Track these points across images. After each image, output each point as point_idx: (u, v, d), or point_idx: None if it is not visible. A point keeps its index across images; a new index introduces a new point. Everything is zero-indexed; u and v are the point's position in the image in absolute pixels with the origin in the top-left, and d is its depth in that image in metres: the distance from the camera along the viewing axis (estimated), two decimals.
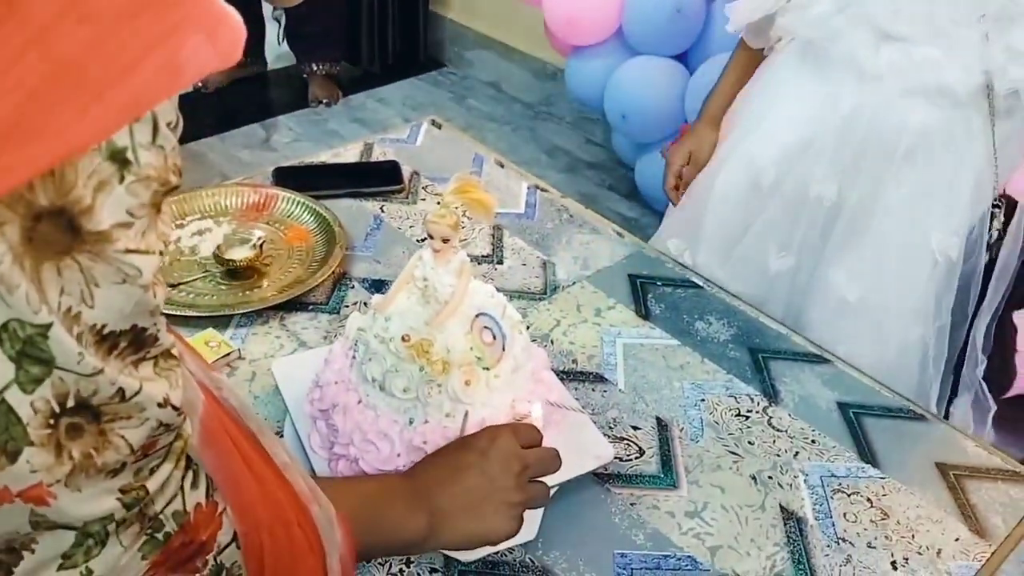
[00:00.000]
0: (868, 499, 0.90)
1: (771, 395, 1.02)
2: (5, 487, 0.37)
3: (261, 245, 1.16)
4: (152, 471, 0.43)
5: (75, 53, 0.33)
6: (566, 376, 1.01)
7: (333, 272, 1.14)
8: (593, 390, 1.00)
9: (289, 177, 1.35)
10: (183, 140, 0.40)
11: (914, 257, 1.37)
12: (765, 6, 1.44)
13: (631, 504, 0.87)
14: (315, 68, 3.36)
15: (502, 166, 1.45)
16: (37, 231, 0.34)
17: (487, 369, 0.81)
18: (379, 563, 0.79)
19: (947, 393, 1.44)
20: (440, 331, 0.80)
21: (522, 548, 0.81)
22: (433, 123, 1.57)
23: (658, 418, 0.97)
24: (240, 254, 1.14)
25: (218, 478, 0.50)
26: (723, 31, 2.33)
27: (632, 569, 0.81)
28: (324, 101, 3.38)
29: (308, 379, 0.91)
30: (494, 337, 0.80)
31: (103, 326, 0.37)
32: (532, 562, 0.81)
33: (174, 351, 0.43)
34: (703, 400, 1.00)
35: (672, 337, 1.09)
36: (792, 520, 0.87)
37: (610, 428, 0.95)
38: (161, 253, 0.39)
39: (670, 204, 1.68)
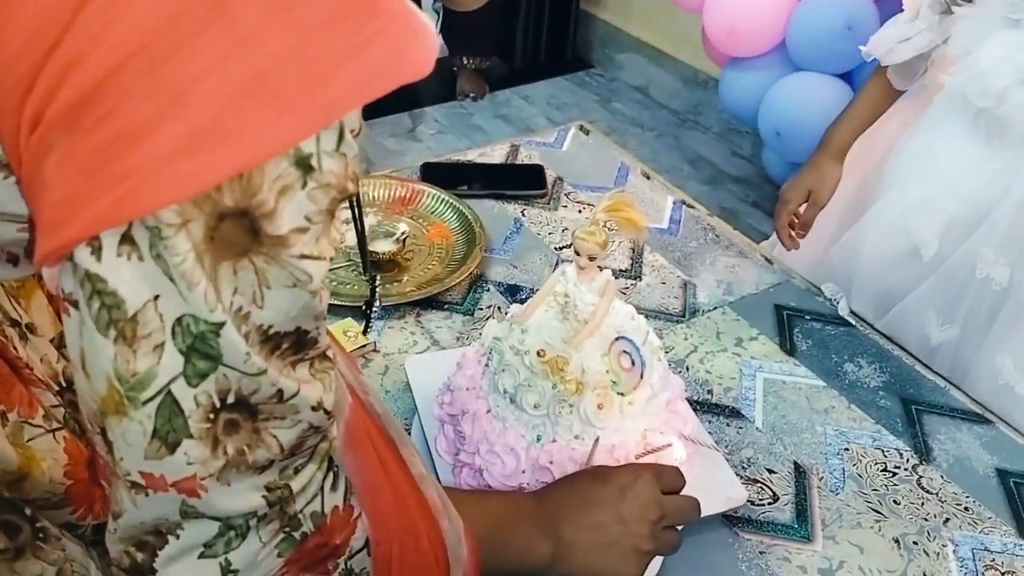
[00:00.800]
0: None
1: (923, 452, 0.94)
2: (162, 476, 0.38)
3: (404, 239, 1.17)
4: (297, 471, 0.44)
5: (275, 60, 0.34)
6: (700, 407, 0.97)
7: (471, 273, 1.13)
8: (728, 425, 0.95)
9: (435, 173, 1.36)
10: None
11: None
12: (917, 44, 1.32)
13: (760, 552, 0.82)
14: (465, 62, 3.40)
15: (648, 177, 1.41)
16: (219, 231, 0.34)
17: (622, 395, 0.78)
18: None
19: None
20: (577, 350, 0.78)
21: None
22: (581, 128, 1.55)
23: (796, 463, 0.91)
24: (384, 247, 1.15)
25: (356, 482, 0.50)
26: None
27: None
28: (471, 95, 3.42)
29: (439, 380, 0.91)
30: (633, 363, 0.77)
31: (269, 327, 0.38)
32: None
33: (329, 353, 0.44)
34: (847, 449, 0.94)
35: (818, 377, 1.03)
36: None
37: (743, 468, 0.90)
38: (331, 259, 0.39)
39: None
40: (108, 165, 0.33)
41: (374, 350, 1.02)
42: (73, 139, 0.33)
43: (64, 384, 0.54)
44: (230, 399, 0.38)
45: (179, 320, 0.35)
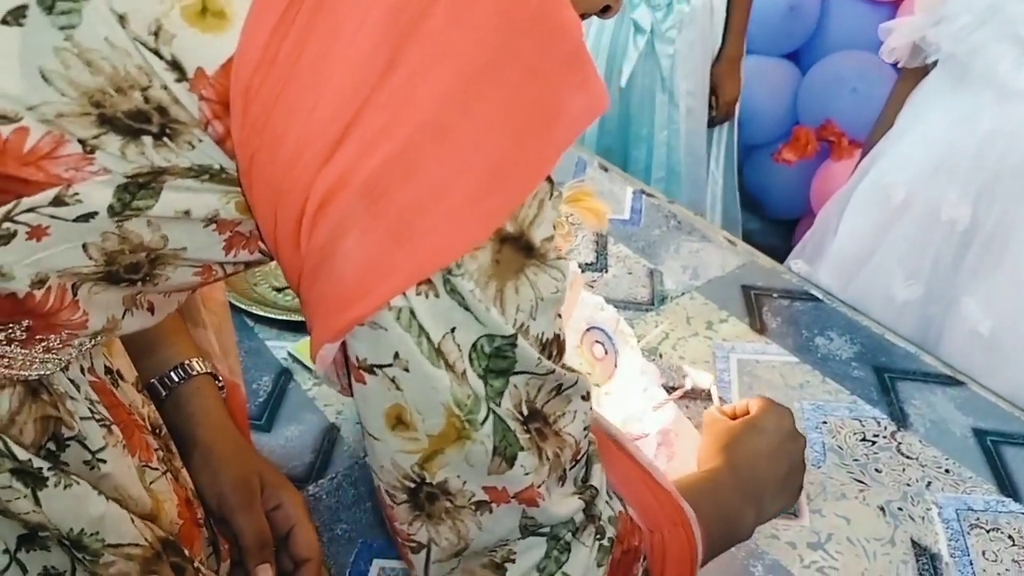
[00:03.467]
0: (1010, 536, 0.82)
1: (899, 419, 0.95)
2: (504, 488, 0.42)
3: None
4: (589, 467, 0.47)
5: (531, 111, 0.38)
6: (674, 392, 0.96)
7: None
8: (705, 408, 0.95)
9: None
10: None
11: None
12: (917, 29, 1.37)
13: None
14: None
15: (606, 170, 1.41)
16: (502, 254, 0.39)
17: (597, 386, 0.77)
18: None
19: None
20: None
21: None
22: None
23: None
24: None
25: (614, 482, 0.52)
26: (839, 29, 2.24)
27: None
28: None
29: None
30: (606, 352, 0.77)
31: (542, 334, 0.42)
32: None
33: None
34: (824, 423, 0.94)
35: (790, 353, 1.03)
36: (925, 556, 0.80)
37: None
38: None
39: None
40: (411, 226, 0.37)
41: None
42: (377, 208, 0.36)
43: (154, 428, 0.56)
44: (525, 410, 0.42)
45: (474, 346, 0.39)
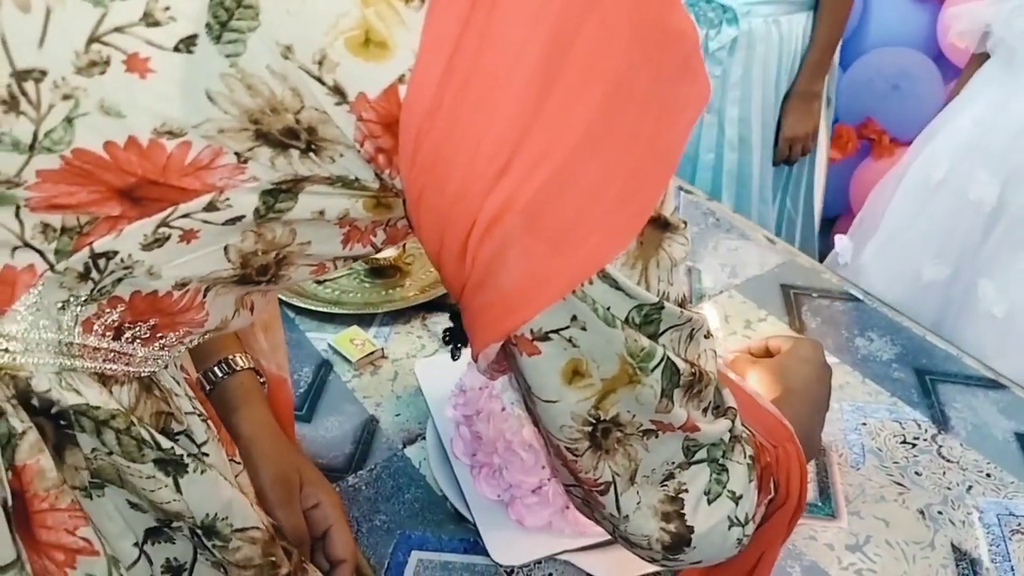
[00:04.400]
0: None
1: (940, 422, 0.94)
2: (669, 423, 0.47)
3: (404, 244, 1.16)
4: (721, 394, 0.52)
5: (667, 107, 0.42)
6: None
7: None
8: None
9: None
10: None
11: None
12: (981, 14, 1.37)
13: None
14: None
15: None
16: (644, 236, 0.43)
17: None
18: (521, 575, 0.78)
19: None
20: None
21: (670, 574, 0.78)
22: None
23: None
24: (384, 252, 1.14)
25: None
26: (880, 25, 2.21)
27: None
28: None
29: (450, 382, 0.90)
30: None
31: (680, 294, 0.47)
32: None
33: None
34: (864, 424, 0.93)
35: (830, 354, 1.02)
36: (965, 561, 0.80)
37: None
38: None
39: None
40: (567, 238, 0.40)
41: (382, 356, 1.01)
42: (537, 225, 0.40)
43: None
44: (682, 348, 0.47)
45: (626, 318, 0.43)
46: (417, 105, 0.38)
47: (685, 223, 0.46)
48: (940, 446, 0.91)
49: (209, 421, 0.53)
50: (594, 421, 0.47)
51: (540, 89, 0.38)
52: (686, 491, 0.51)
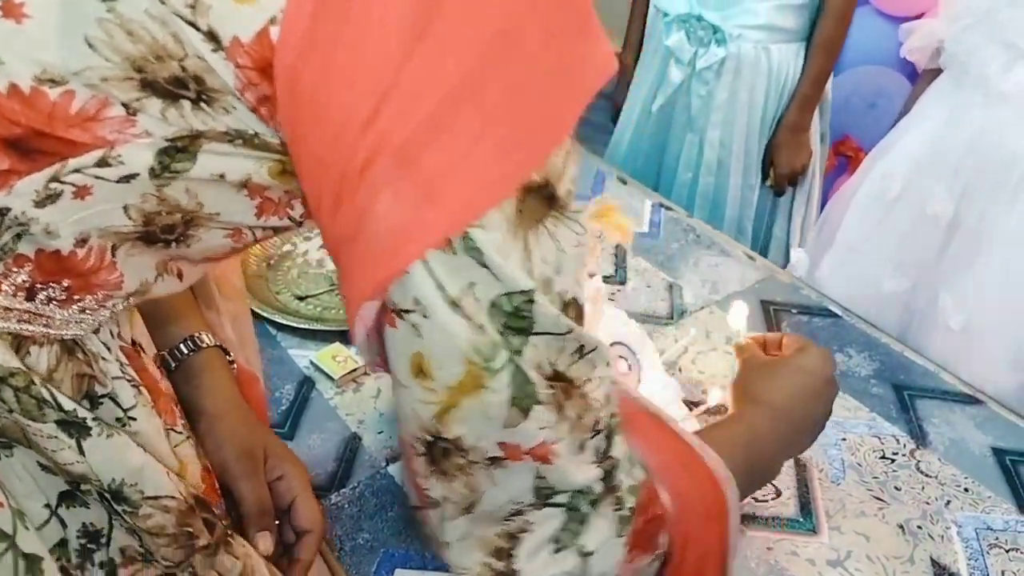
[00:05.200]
0: None
1: (919, 437, 0.95)
2: (517, 444, 0.42)
3: None
4: (611, 438, 0.47)
5: (559, 67, 0.40)
6: (695, 408, 0.96)
7: None
8: None
9: None
10: None
11: (1018, 291, 1.29)
12: (934, 31, 1.41)
13: (768, 548, 0.82)
14: None
15: (624, 182, 1.42)
16: (526, 203, 0.40)
17: None
18: None
19: None
20: None
21: None
22: None
23: (796, 457, 0.92)
24: None
25: (645, 459, 0.51)
26: (857, 43, 2.25)
27: None
28: None
29: None
30: (629, 367, 0.77)
31: (565, 292, 0.42)
32: None
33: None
34: (844, 439, 0.94)
35: None
36: (945, 575, 0.81)
37: None
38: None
39: None
40: (440, 186, 0.38)
41: (365, 373, 1.01)
42: (408, 170, 0.38)
43: (172, 399, 0.57)
44: (549, 370, 0.42)
45: (493, 303, 0.39)
46: (290, 47, 0.38)
47: (581, 213, 0.43)
48: (919, 461, 0.92)
49: (141, 387, 0.52)
50: (434, 435, 0.43)
51: (415, 29, 0.37)
52: (528, 533, 0.45)
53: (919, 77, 1.56)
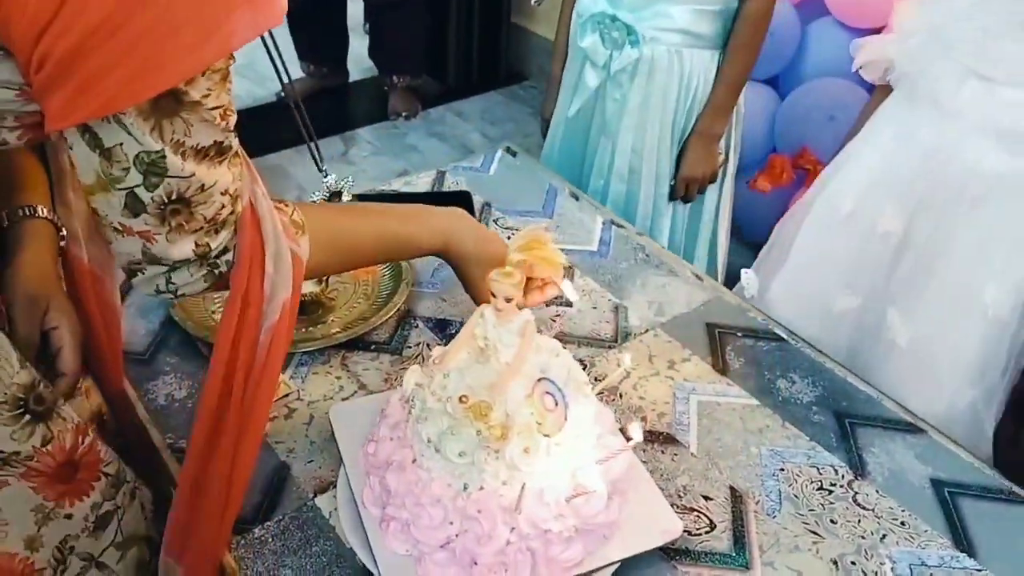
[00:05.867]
0: None
1: (857, 467, 0.94)
2: (129, 226, 0.66)
3: (327, 279, 1.14)
4: (216, 234, 0.70)
5: (210, 13, 0.59)
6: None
7: (398, 310, 1.10)
8: (663, 452, 0.94)
9: None
10: (262, 152, 0.69)
11: (966, 309, 1.30)
12: (884, 46, 1.40)
13: None
14: (396, 80, 3.36)
15: (577, 198, 1.40)
16: (159, 103, 0.61)
17: (548, 436, 0.76)
18: None
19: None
20: (500, 394, 0.76)
21: None
22: (508, 150, 1.54)
23: (732, 488, 0.90)
24: (307, 287, 1.11)
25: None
26: (817, 55, 2.25)
27: None
28: (403, 114, 3.38)
29: (365, 427, 0.88)
30: (556, 403, 0.75)
31: (198, 144, 0.64)
32: None
33: (239, 155, 0.70)
34: (782, 469, 0.93)
35: (751, 396, 1.02)
36: None
37: (679, 497, 0.89)
38: (228, 102, 0.66)
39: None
40: (95, 88, 0.58)
41: (298, 398, 0.99)
42: (71, 75, 0.57)
43: None
44: (174, 196, 0.65)
45: (137, 156, 0.62)
46: None
47: (217, 108, 0.64)
48: (856, 492, 0.91)
49: None
50: (84, 200, 0.67)
51: None
52: (143, 273, 0.70)
53: (873, 91, 1.56)
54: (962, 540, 0.87)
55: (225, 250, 0.71)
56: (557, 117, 1.81)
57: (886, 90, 1.46)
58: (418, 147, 3.24)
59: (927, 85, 1.31)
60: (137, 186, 0.63)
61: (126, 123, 0.60)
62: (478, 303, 0.96)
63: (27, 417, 0.72)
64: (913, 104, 1.35)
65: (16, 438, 0.71)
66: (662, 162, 1.65)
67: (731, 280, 1.82)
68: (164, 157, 0.62)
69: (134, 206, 0.64)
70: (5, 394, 0.70)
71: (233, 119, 0.68)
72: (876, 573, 0.83)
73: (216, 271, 0.72)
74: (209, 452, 0.74)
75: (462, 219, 1.00)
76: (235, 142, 0.69)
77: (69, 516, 0.76)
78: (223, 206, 0.68)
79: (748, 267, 1.64)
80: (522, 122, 3.45)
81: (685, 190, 1.66)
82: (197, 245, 0.69)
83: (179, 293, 0.72)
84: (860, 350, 1.42)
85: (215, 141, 0.66)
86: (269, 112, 3.12)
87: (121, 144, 0.61)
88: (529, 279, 0.90)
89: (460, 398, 0.76)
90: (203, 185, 0.65)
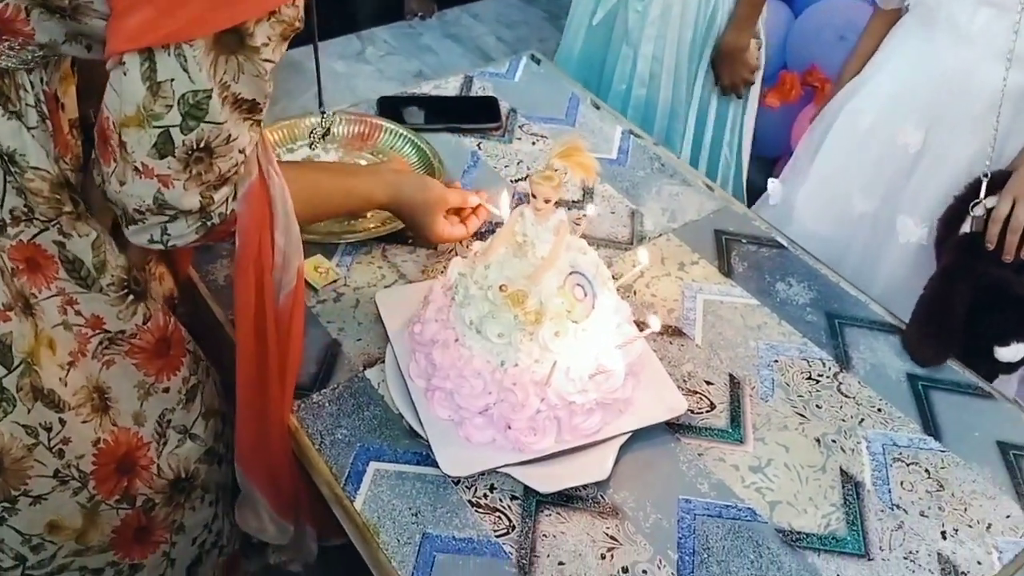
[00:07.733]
0: (926, 470, 0.95)
1: (843, 361, 1.06)
2: (152, 168, 0.70)
3: None
4: (218, 188, 0.74)
5: None
6: (644, 328, 1.06)
7: None
8: (671, 343, 1.06)
9: (392, 107, 1.40)
10: None
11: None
12: None
13: (699, 455, 0.93)
14: None
15: (598, 108, 1.48)
16: (222, 38, 0.66)
17: (576, 322, 0.87)
18: (465, 485, 0.88)
19: None
20: (535, 284, 0.86)
21: (595, 487, 0.89)
22: (532, 58, 1.60)
23: (731, 375, 1.02)
24: None
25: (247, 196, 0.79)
26: None
27: (695, 514, 0.88)
28: (419, 14, 3.39)
29: (408, 311, 0.99)
30: (585, 294, 0.86)
31: (240, 93, 0.70)
32: (603, 499, 0.88)
33: (261, 125, 0.75)
34: (776, 361, 1.05)
35: (752, 296, 1.13)
36: (850, 483, 0.92)
37: (684, 381, 1.01)
38: (274, 69, 0.71)
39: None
40: (175, 13, 0.63)
41: (344, 284, 1.09)
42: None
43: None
44: (202, 144, 0.69)
45: (183, 96, 0.67)
46: None
47: (272, 62, 0.70)
48: (840, 383, 1.03)
49: (48, 120, 0.74)
50: (118, 134, 0.69)
51: None
52: (145, 222, 0.74)
53: (873, 12, 1.60)
54: (931, 426, 0.99)
55: (221, 205, 0.75)
56: (577, 23, 1.89)
57: (886, 15, 1.52)
58: (433, 48, 3.26)
59: (944, 11, 1.36)
60: (173, 126, 0.67)
61: (187, 55, 0.65)
62: (430, 244, 1.12)
63: (131, 297, 0.82)
64: (929, 29, 1.39)
65: (122, 317, 0.81)
66: (680, 69, 1.76)
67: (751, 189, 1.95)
68: (209, 98, 0.67)
69: (164, 146, 0.68)
70: (112, 275, 0.80)
71: (270, 89, 0.72)
72: (853, 450, 0.96)
73: (208, 223, 0.75)
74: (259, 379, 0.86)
75: (403, 171, 1.08)
76: (264, 114, 0.74)
77: (167, 390, 0.86)
78: (236, 163, 0.73)
79: (752, 179, 1.74)
80: (536, 26, 3.46)
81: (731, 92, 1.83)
82: (203, 197, 0.73)
83: (169, 244, 0.76)
84: (873, 248, 1.51)
85: (253, 98, 0.70)
86: None
87: (172, 80, 0.65)
88: (460, 209, 1.08)
89: (500, 287, 0.86)
90: (229, 136, 0.70)
